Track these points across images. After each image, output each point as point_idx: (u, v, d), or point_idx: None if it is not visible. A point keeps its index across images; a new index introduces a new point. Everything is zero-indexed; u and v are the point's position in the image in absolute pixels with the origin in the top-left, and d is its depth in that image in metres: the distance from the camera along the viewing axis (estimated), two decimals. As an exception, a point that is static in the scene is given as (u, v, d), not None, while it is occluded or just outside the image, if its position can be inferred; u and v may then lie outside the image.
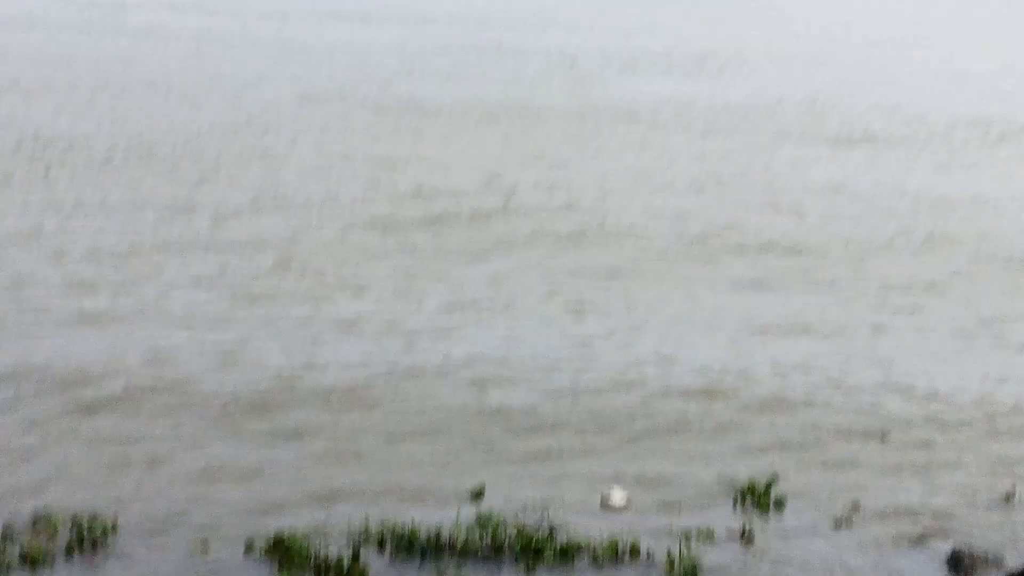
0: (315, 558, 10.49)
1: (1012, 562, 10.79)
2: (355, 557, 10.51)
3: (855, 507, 11.78)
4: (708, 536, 11.21)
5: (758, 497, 11.89)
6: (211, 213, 20.60)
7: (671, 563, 10.71)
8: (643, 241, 20.03)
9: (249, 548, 10.76)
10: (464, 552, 10.86)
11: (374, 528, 11.04)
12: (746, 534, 11.28)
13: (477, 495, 11.77)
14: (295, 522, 11.09)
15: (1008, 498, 12.06)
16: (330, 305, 16.59)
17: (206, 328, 15.58)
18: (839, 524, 11.53)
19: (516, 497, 11.83)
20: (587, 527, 11.36)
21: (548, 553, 10.76)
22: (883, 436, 13.33)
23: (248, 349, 15.08)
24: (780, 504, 11.85)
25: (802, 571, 10.83)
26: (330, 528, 11.08)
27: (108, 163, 24.11)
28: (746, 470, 12.33)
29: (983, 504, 11.96)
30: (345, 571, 10.41)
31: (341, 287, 17.32)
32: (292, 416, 13.45)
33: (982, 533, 11.44)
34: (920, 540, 11.33)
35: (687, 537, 11.07)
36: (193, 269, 17.72)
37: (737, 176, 24.62)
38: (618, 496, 12.06)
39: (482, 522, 11.17)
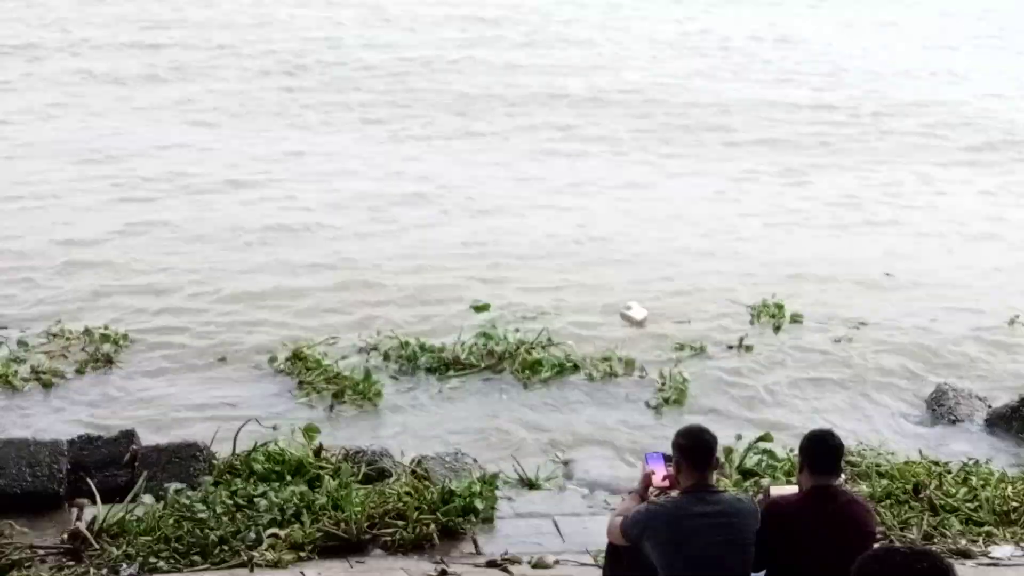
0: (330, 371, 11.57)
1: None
2: (367, 375, 11.48)
3: (858, 328, 13.17)
4: (704, 349, 12.55)
5: (771, 314, 13.44)
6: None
7: (662, 376, 11.81)
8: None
9: (272, 360, 11.78)
10: (466, 366, 11.92)
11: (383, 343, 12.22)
12: (747, 348, 12.66)
13: (481, 309, 12.37)
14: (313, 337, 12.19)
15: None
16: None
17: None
18: (839, 340, 12.85)
19: (519, 311, 13.07)
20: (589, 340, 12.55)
21: (545, 367, 11.44)
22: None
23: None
24: (795, 320, 13.40)
25: (783, 370, 12.12)
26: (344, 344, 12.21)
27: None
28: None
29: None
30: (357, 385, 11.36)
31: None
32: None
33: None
34: (912, 374, 11.97)
35: (685, 348, 12.40)
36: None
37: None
38: (637, 311, 12.66)
39: (485, 336, 12.31)
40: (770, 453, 10.17)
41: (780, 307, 13.62)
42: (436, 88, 22.81)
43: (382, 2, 31.49)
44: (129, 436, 9.74)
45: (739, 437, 10.54)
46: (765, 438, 10.35)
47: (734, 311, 13.59)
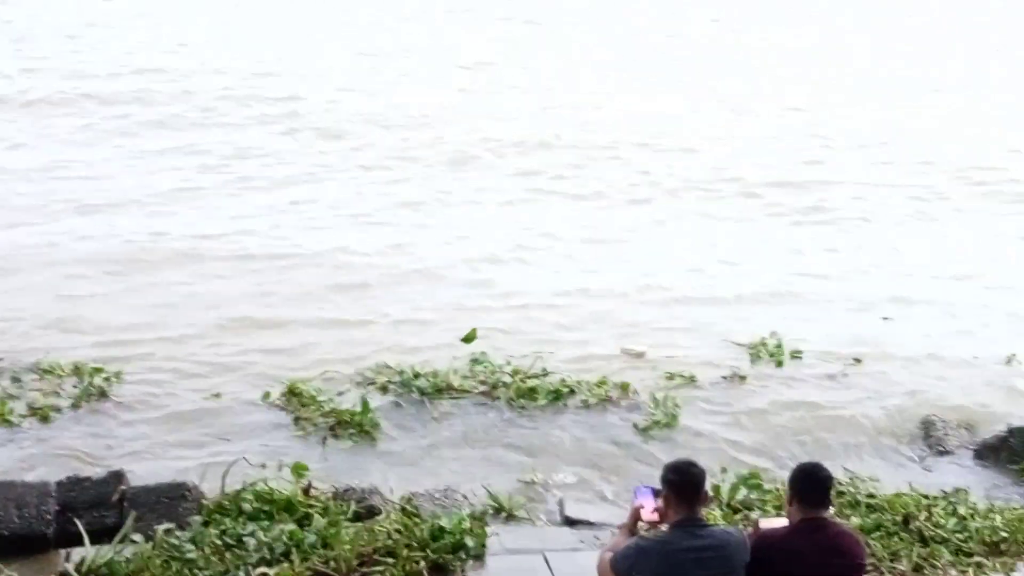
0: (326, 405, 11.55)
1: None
2: (364, 406, 11.42)
3: (855, 364, 13.20)
4: (694, 379, 12.57)
5: (770, 351, 13.40)
6: None
7: (655, 402, 11.83)
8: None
9: (265, 397, 11.71)
10: (461, 393, 11.94)
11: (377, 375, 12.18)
12: (740, 378, 12.69)
13: (469, 339, 12.43)
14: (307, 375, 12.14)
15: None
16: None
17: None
18: (833, 377, 12.81)
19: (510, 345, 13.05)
20: (580, 371, 12.53)
21: (540, 394, 11.43)
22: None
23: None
24: (795, 356, 13.37)
25: (781, 408, 12.05)
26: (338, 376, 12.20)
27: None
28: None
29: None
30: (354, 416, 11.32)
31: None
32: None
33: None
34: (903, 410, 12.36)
35: (675, 377, 12.43)
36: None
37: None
38: (638, 345, 12.79)
39: (477, 364, 12.38)
40: (758, 486, 10.17)
41: (779, 345, 13.59)
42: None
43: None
44: (118, 477, 9.71)
45: (724, 470, 10.52)
46: (753, 477, 10.34)
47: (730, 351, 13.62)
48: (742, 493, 10.05)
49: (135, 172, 19.32)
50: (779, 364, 13.24)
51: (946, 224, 19.10)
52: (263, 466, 10.23)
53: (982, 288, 16.05)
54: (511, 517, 9.96)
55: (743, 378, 12.83)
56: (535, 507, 10.22)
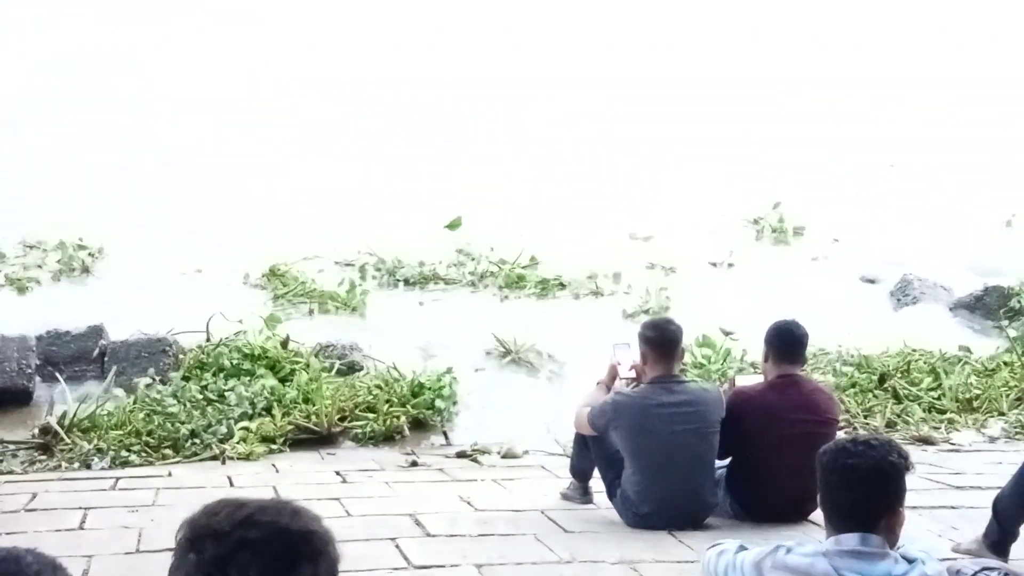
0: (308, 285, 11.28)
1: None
2: (351, 285, 11.21)
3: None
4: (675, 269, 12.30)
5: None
6: None
7: (647, 289, 11.60)
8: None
9: (245, 279, 11.38)
10: (446, 281, 11.75)
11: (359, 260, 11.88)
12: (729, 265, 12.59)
13: (454, 226, 12.46)
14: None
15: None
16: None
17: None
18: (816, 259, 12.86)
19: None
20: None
21: (528, 283, 11.41)
22: None
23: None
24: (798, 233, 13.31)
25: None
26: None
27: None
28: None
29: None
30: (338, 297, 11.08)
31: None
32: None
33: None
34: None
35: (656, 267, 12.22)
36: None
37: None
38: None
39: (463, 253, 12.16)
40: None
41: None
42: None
43: None
44: (98, 331, 9.73)
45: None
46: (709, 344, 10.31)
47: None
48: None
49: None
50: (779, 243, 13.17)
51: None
52: (240, 322, 10.17)
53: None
54: (516, 360, 10.04)
55: (732, 265, 12.65)
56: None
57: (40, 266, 11.51)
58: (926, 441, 8.90)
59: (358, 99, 15.74)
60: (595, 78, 16.76)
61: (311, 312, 10.98)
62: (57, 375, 9.22)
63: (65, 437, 8.31)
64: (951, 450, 8.77)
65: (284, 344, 9.79)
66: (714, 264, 12.63)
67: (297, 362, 9.58)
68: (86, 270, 11.49)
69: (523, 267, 12.03)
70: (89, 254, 11.71)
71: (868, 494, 3.35)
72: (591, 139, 15.19)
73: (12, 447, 8.37)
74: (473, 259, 12.13)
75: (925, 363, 10.15)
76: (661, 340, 6.38)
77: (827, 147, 15.30)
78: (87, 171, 13.47)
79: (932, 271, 12.33)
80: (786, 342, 6.51)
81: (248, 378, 9.24)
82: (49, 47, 16.37)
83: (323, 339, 10.10)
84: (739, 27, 18.53)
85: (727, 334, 10.50)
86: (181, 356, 9.57)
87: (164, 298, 10.90)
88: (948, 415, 9.41)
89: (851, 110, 16.17)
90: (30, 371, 9.15)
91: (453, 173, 13.97)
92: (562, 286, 11.73)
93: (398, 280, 11.72)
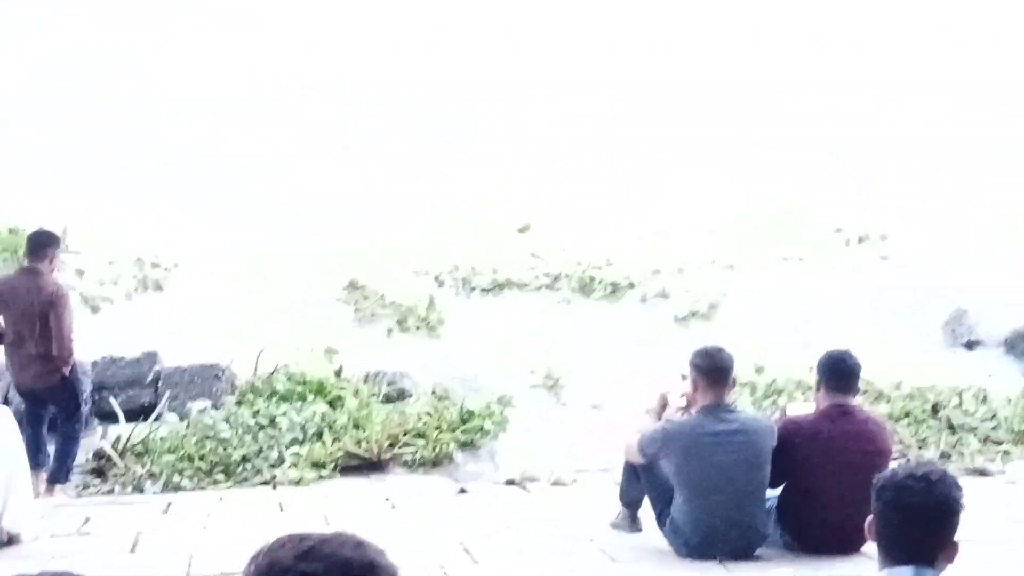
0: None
1: None
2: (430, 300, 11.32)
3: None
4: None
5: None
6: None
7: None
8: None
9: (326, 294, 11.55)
10: (520, 286, 11.81)
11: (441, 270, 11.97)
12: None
13: (524, 229, 12.50)
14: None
15: None
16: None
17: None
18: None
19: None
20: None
21: (597, 287, 11.43)
22: None
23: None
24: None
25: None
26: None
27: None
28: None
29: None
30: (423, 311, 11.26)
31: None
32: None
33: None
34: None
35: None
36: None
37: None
38: None
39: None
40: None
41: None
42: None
43: None
44: (152, 357, 9.83)
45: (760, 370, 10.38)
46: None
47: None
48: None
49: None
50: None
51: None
52: (296, 348, 10.26)
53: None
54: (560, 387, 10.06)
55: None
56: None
57: (115, 283, 11.62)
58: (981, 473, 8.77)
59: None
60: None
61: (389, 332, 11.06)
62: (111, 399, 9.31)
63: (119, 461, 8.39)
64: (1007, 482, 8.64)
65: (338, 373, 9.85)
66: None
67: (346, 388, 9.62)
68: (159, 288, 11.59)
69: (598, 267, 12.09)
70: (164, 269, 11.82)
71: (929, 531, 3.31)
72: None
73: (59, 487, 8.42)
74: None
75: (975, 395, 10.02)
76: (712, 368, 6.34)
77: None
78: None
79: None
80: (839, 372, 6.45)
81: (300, 403, 9.29)
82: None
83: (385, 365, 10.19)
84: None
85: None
86: (235, 382, 9.64)
87: (243, 316, 10.99)
88: (1004, 446, 9.28)
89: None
90: (85, 396, 9.23)
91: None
92: (631, 286, 11.82)
93: (473, 288, 11.82)
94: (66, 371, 8.12)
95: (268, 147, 14.48)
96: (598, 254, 12.48)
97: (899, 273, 12.37)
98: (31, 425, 8.05)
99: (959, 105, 16.10)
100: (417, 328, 11.21)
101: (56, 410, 8.28)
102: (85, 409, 8.63)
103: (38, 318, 7.97)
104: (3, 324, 8.16)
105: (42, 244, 8.27)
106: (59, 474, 8.17)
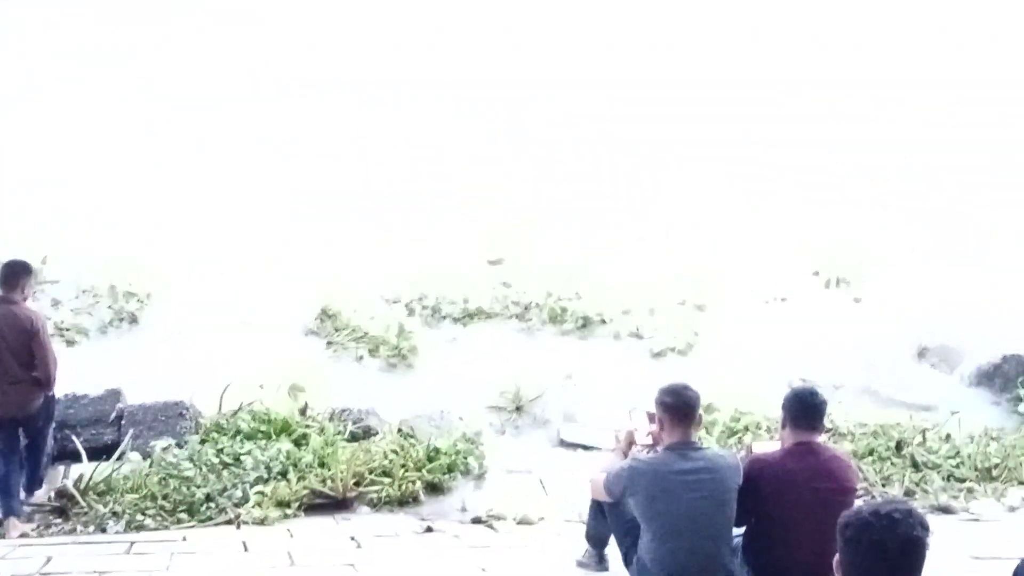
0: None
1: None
2: (400, 329, 11.40)
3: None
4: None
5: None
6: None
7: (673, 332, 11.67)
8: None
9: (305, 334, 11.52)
10: (490, 316, 11.86)
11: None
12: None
13: (495, 263, 12.56)
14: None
15: None
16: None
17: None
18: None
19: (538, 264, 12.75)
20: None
21: (568, 320, 11.40)
22: None
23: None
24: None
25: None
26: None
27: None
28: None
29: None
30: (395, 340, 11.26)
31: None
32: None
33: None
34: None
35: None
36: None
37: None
38: None
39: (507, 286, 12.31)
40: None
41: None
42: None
43: None
44: (115, 395, 9.75)
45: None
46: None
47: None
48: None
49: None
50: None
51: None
52: (260, 387, 10.21)
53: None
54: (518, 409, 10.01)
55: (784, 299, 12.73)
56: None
57: (90, 314, 11.54)
58: (945, 511, 8.82)
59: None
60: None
61: (360, 358, 11.04)
62: (74, 438, 9.22)
63: (81, 500, 8.31)
64: (970, 519, 8.69)
65: (303, 412, 9.81)
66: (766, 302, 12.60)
67: (311, 426, 9.57)
68: (134, 320, 11.52)
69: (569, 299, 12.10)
70: (138, 300, 11.74)
71: (894, 569, 3.32)
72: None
73: (28, 510, 8.36)
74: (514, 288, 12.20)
75: (938, 434, 10.09)
76: (678, 406, 6.35)
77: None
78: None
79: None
80: (804, 409, 6.47)
81: (264, 441, 9.24)
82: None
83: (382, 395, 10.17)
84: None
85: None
86: (199, 419, 9.58)
87: (215, 349, 10.93)
88: (967, 484, 9.33)
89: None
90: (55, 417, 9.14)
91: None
92: (603, 323, 11.84)
93: (444, 316, 11.82)
94: (48, 393, 8.21)
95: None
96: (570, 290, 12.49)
97: (871, 312, 12.43)
98: (3, 463, 8.08)
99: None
100: (389, 357, 11.19)
101: (27, 439, 8.31)
102: (52, 426, 8.65)
103: (18, 347, 8.00)
104: None
105: (15, 274, 8.31)
106: (34, 482, 8.34)
